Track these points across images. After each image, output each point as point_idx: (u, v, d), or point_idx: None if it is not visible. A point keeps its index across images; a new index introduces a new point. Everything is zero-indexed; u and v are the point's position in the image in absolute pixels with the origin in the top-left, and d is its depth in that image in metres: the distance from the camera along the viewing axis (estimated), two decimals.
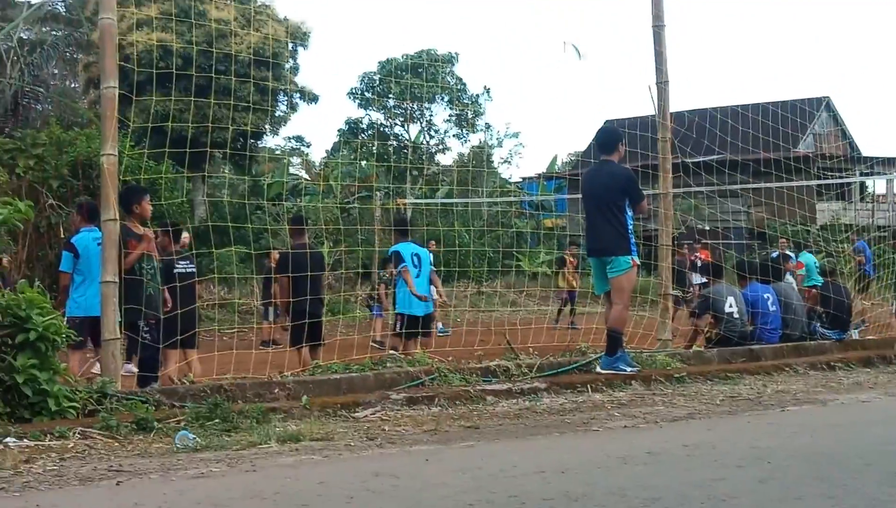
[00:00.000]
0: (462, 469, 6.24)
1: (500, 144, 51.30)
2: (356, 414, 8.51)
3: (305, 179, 43.43)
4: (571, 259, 23.17)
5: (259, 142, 37.13)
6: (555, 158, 53.04)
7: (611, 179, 10.91)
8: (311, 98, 37.89)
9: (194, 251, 12.98)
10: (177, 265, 12.04)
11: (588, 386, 10.09)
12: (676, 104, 13.66)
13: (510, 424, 8.33)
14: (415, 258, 13.92)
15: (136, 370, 11.23)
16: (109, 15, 9.37)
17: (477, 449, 7.10)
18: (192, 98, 13.44)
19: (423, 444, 7.30)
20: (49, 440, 7.07)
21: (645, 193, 11.32)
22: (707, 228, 28.58)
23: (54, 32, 39.20)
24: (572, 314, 22.65)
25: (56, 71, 39.38)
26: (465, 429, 8.01)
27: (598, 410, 9.05)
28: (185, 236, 13.66)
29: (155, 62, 16.39)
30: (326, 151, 53.53)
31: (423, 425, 8.14)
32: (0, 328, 7.90)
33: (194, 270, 12.52)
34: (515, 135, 52.54)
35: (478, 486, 5.67)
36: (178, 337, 11.40)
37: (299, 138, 52.78)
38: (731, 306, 13.96)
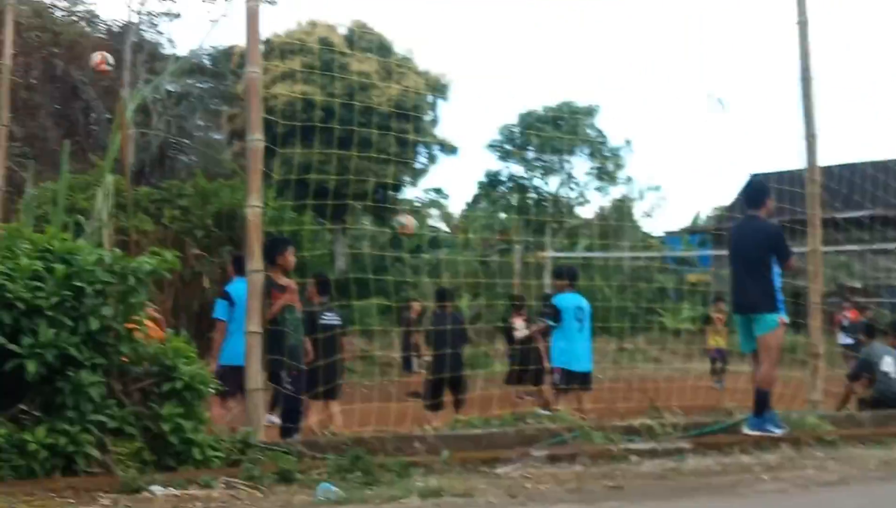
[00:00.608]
0: None
1: (641, 197, 50.92)
2: (497, 470, 8.49)
3: (444, 232, 43.70)
4: (719, 316, 22.76)
5: (399, 194, 37.56)
6: (698, 213, 52.42)
7: (758, 234, 10.75)
8: (451, 150, 38.25)
9: (335, 303, 13.14)
10: (322, 317, 12.24)
11: (735, 447, 9.89)
12: (825, 158, 13.43)
13: (655, 485, 8.23)
14: (579, 312, 13.84)
15: (277, 420, 11.40)
16: (255, 68, 9.60)
17: None
18: (334, 151, 13.66)
19: (565, 503, 7.25)
20: (194, 489, 7.20)
21: (793, 249, 11.14)
22: (858, 285, 27.93)
23: (199, 85, 40.28)
24: (715, 374, 22.27)
25: (201, 122, 40.42)
26: (609, 489, 7.93)
27: (745, 472, 8.87)
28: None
29: (298, 115, 16.74)
30: (466, 204, 53.77)
31: (565, 483, 8.08)
32: (147, 377, 8.11)
33: (339, 321, 12.70)
34: (657, 188, 51.92)
35: None
36: (321, 388, 11.56)
37: (438, 190, 53.05)
38: (887, 365, 13.59)
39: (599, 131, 48.68)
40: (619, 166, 49.34)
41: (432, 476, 8.02)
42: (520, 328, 17.06)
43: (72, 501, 6.71)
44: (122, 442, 7.65)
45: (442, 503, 7.07)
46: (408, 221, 14.15)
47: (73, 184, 18.61)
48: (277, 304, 10.72)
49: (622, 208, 46.33)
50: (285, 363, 10.67)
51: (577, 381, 13.74)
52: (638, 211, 50.50)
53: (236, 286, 11.44)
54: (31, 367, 7.17)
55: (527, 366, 16.18)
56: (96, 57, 14.92)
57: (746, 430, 10.40)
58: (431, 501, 7.10)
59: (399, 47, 37.06)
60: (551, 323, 14.08)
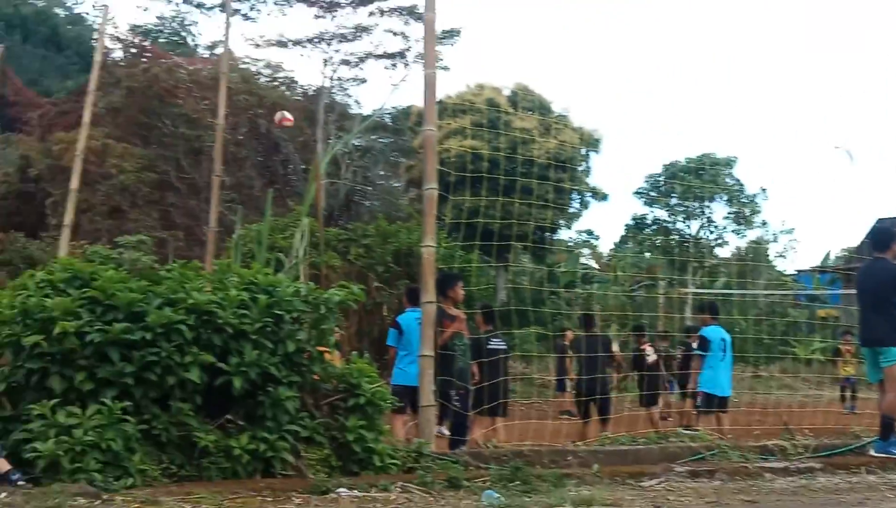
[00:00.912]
0: None
1: (775, 240, 49.75)
2: (642, 484, 8.34)
3: (595, 269, 43.33)
4: (847, 348, 22.04)
5: (554, 235, 37.36)
6: (828, 254, 50.88)
7: (884, 275, 10.45)
8: (602, 197, 37.81)
9: (499, 331, 13.16)
10: (489, 342, 12.30)
11: (862, 468, 9.53)
12: None
13: (788, 500, 7.97)
14: (722, 343, 13.86)
15: (446, 433, 11.44)
16: (432, 127, 9.71)
17: None
18: (499, 197, 13.72)
19: None
20: (374, 492, 7.24)
21: None
22: None
23: (381, 140, 40.96)
24: (843, 401, 21.56)
25: (382, 173, 41.04)
26: (745, 503, 7.71)
27: (871, 491, 8.53)
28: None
29: (467, 166, 16.87)
30: (614, 244, 53.29)
31: (704, 497, 7.89)
32: (335, 393, 8.23)
33: (505, 346, 12.74)
34: (790, 231, 50.59)
35: None
36: (486, 406, 11.58)
37: (590, 232, 52.71)
38: None
39: (737, 180, 47.70)
40: (754, 212, 48.27)
41: (584, 486, 7.92)
42: (650, 353, 16.84)
43: (269, 500, 6.82)
44: (313, 450, 7.77)
45: None
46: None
47: (274, 226, 19.10)
48: (448, 331, 10.79)
49: (757, 249, 45.25)
50: (454, 383, 10.72)
51: (717, 404, 13.66)
52: (772, 252, 49.45)
53: (406, 317, 11.61)
54: (237, 383, 7.36)
55: (656, 389, 16.21)
56: (279, 116, 15.38)
57: (872, 452, 10.06)
58: None
59: (556, 106, 36.94)
60: (701, 353, 14.06)
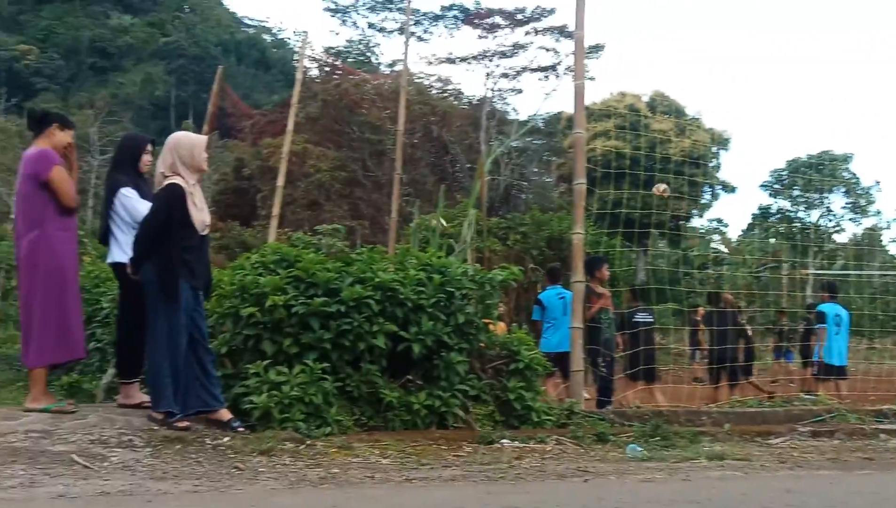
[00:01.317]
0: (860, 492, 5.81)
1: (888, 227, 47.80)
2: (769, 441, 8.12)
3: (724, 253, 42.33)
4: None
5: (688, 223, 36.61)
6: None
7: None
8: (731, 189, 36.92)
9: (639, 306, 12.99)
10: (636, 316, 12.22)
11: None
12: None
13: None
14: (837, 318, 13.41)
15: (587, 396, 11.36)
16: (581, 130, 9.63)
17: (872, 477, 6.58)
18: (639, 191, 13.53)
19: (826, 469, 6.85)
20: (532, 444, 7.27)
21: None
22: None
23: (535, 141, 40.81)
24: None
25: (536, 170, 40.89)
26: (862, 460, 7.43)
27: None
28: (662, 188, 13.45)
29: (611, 163, 16.66)
30: (742, 231, 52.12)
31: (825, 454, 7.64)
32: (498, 358, 8.27)
33: (651, 320, 12.62)
34: None
35: None
36: (630, 371, 11.49)
37: (719, 220, 51.58)
38: None
39: (853, 174, 46.05)
40: (869, 202, 46.52)
41: (717, 443, 7.76)
42: (748, 328, 16.37)
43: (444, 448, 6.90)
44: (480, 406, 7.82)
45: (725, 464, 6.83)
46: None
47: (445, 216, 19.24)
48: (595, 307, 10.72)
49: (872, 235, 43.54)
50: (601, 352, 10.65)
51: (834, 373, 13.21)
52: (885, 237, 47.55)
53: (546, 293, 11.70)
54: (416, 348, 7.47)
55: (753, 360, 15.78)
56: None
57: None
58: (716, 463, 6.88)
59: (690, 110, 36.24)
60: (820, 326, 13.65)
